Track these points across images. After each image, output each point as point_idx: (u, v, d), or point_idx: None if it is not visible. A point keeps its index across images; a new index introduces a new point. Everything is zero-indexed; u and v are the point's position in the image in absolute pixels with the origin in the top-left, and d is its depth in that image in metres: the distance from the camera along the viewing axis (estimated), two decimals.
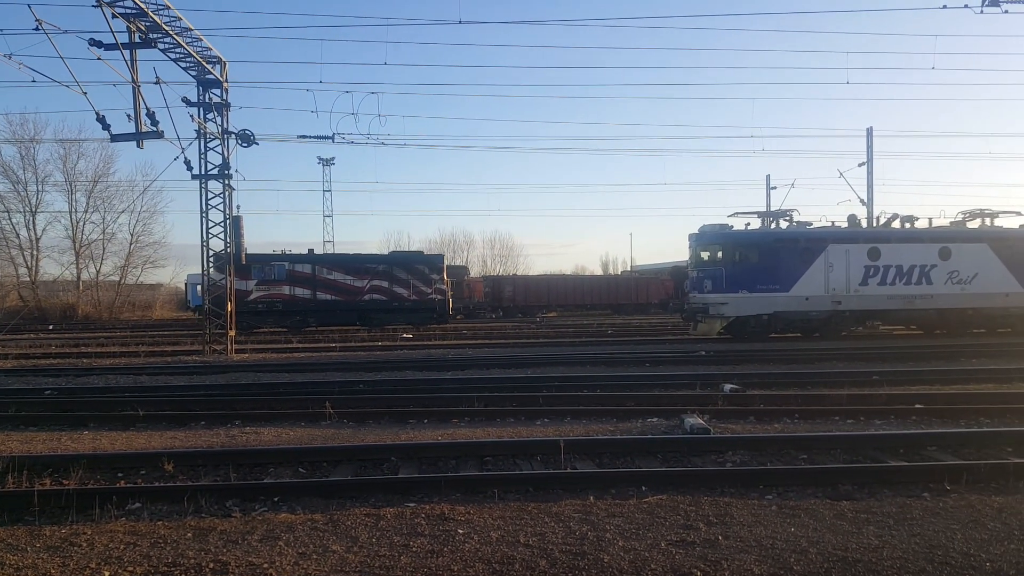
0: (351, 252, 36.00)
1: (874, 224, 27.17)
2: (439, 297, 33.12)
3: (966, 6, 15.04)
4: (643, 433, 9.06)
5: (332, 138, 23.17)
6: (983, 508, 5.77)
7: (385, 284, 32.58)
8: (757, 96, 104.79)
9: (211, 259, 21.04)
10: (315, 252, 34.36)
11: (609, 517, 5.69)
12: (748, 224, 25.55)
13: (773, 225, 25.36)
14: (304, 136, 23.58)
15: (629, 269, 73.38)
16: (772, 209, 30.65)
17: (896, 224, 25.81)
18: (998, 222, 25.99)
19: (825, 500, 6.23)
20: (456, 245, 77.44)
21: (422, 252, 35.38)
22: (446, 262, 36.49)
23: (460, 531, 5.35)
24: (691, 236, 25.49)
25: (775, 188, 39.76)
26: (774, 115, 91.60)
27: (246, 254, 28.49)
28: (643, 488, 6.65)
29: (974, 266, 24.29)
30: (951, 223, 26.08)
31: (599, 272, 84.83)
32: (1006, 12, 14.92)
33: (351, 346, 23.51)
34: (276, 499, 6.43)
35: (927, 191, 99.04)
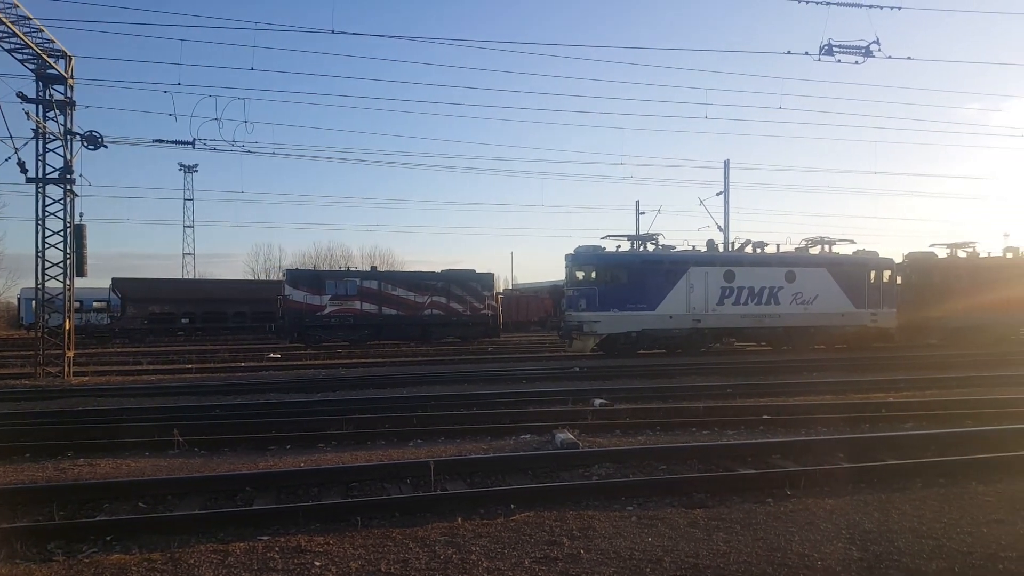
0: (411, 271, 37.34)
1: (730, 249, 29.06)
2: (491, 312, 34.72)
3: (807, 53, 16.57)
4: (516, 450, 9.15)
5: (193, 143, 21.89)
6: (817, 511, 6.26)
7: (443, 300, 33.82)
8: (627, 126, 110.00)
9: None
10: (377, 269, 35.37)
11: (476, 538, 5.69)
12: (619, 246, 26.64)
13: (641, 248, 26.55)
14: (161, 140, 22.07)
15: (510, 287, 74.25)
16: (641, 232, 32.15)
17: (749, 249, 27.75)
18: (835, 249, 28.50)
19: (681, 509, 6.53)
20: (333, 260, 75.34)
21: (474, 270, 36.21)
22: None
23: (317, 563, 5.15)
24: (567, 256, 26.24)
25: (644, 213, 41.74)
26: (643, 144, 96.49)
27: (321, 270, 30.64)
28: (512, 506, 6.70)
29: (815, 288, 26.52)
30: (796, 249, 28.33)
31: None
32: (839, 61, 16.56)
33: (209, 368, 22.22)
34: (108, 538, 5.86)
35: (776, 219, 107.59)
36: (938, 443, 9.03)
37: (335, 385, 16.72)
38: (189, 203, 56.25)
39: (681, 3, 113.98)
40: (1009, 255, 30.22)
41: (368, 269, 35.23)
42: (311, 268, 33.87)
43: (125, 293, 39.70)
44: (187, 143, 21.94)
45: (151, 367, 22.63)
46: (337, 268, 39.49)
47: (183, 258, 59.59)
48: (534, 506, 6.59)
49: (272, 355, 26.01)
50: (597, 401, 12.83)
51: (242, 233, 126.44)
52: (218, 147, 22.29)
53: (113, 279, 40.29)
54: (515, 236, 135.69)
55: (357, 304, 32.21)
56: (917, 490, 7.03)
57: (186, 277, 56.31)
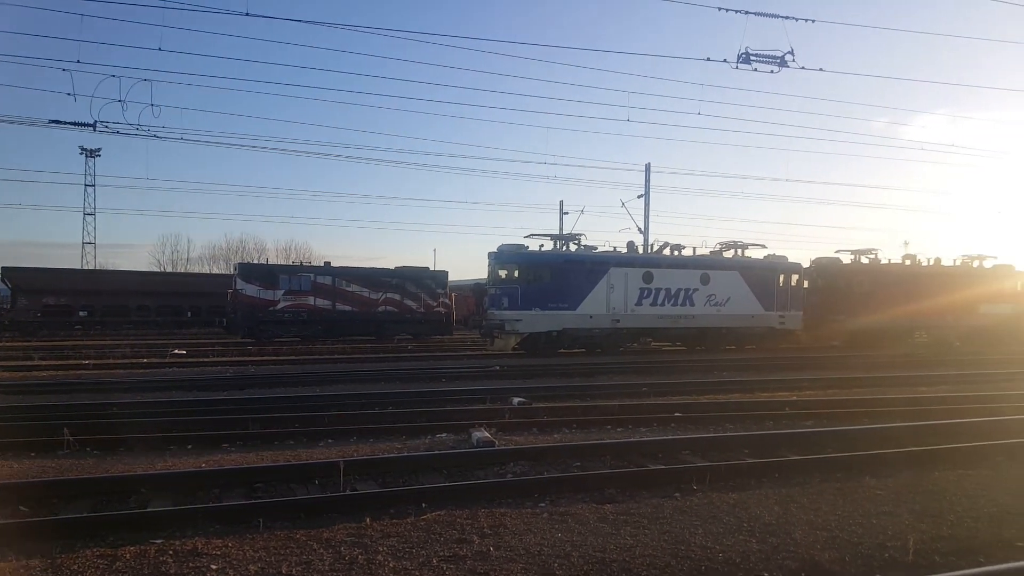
0: (366, 267, 36.43)
1: (649, 251, 29.72)
2: (444, 310, 34.69)
3: (725, 60, 17.06)
4: (431, 449, 9.05)
5: (94, 126, 20.69)
6: (721, 504, 6.43)
7: (397, 297, 33.62)
8: (552, 126, 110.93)
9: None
10: (331, 265, 34.33)
11: (383, 538, 5.57)
12: (542, 245, 26.79)
13: (564, 248, 26.81)
14: (58, 121, 20.76)
15: None
16: (564, 232, 32.48)
17: (667, 252, 28.44)
18: (748, 253, 29.57)
19: (592, 504, 6.58)
20: (246, 252, 72.80)
21: (428, 268, 36.06)
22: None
23: (214, 566, 4.92)
24: (491, 255, 26.21)
25: (568, 213, 42.13)
26: (568, 144, 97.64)
27: (275, 264, 31.74)
28: (423, 505, 6.61)
29: (728, 291, 27.43)
30: (711, 253, 29.23)
31: None
32: (756, 70, 17.11)
33: (107, 364, 21.04)
34: None
35: (693, 223, 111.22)
36: (836, 440, 9.47)
37: (243, 383, 16.13)
38: (91, 189, 53.23)
39: (605, 6, 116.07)
40: (908, 262, 32.09)
41: (322, 264, 34.39)
42: (263, 262, 33.43)
43: (16, 283, 37.13)
44: (87, 125, 20.74)
45: (43, 362, 21.22)
46: (249, 260, 38.51)
47: (83, 247, 56.37)
48: (446, 505, 6.52)
49: (177, 351, 24.89)
50: (516, 400, 12.86)
51: (148, 223, 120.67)
52: (122, 131, 21.10)
53: (3, 268, 37.62)
54: (439, 233, 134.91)
55: (311, 300, 31.85)
56: (815, 484, 7.34)
57: (86, 268, 53.26)
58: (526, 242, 26.43)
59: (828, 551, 5.23)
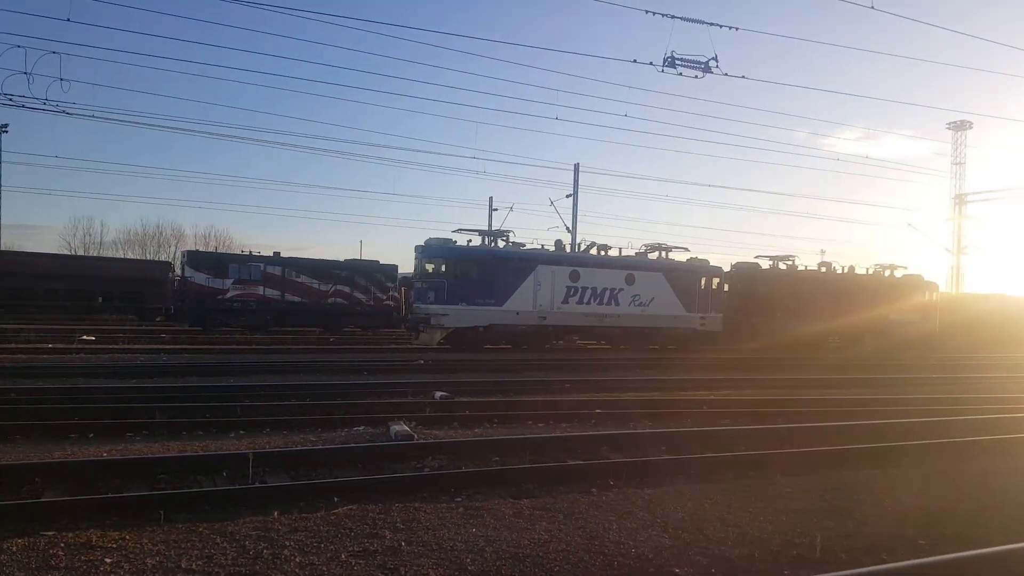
0: (317, 258, 35.86)
1: (576, 250, 29.99)
2: (394, 304, 34.52)
3: (651, 63, 17.34)
4: (347, 442, 8.81)
5: None
6: (636, 500, 6.47)
7: (347, 289, 33.17)
8: (482, 120, 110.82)
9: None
10: (281, 255, 33.98)
11: (291, 532, 5.36)
12: (470, 240, 26.66)
13: (492, 244, 26.75)
14: None
15: None
16: (493, 229, 32.42)
17: (593, 251, 28.78)
18: (672, 255, 30.21)
19: (509, 500, 6.52)
20: (163, 239, 69.73)
21: (379, 262, 35.45)
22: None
23: (108, 560, 4.62)
24: (417, 248, 25.90)
25: (497, 209, 42.09)
26: (498, 140, 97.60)
27: (224, 253, 31.85)
28: (335, 499, 6.41)
29: (652, 292, 27.96)
30: (636, 254, 29.73)
31: None
32: (681, 74, 17.46)
33: (8, 348, 19.72)
34: None
35: (620, 224, 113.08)
36: (750, 438, 9.71)
37: (154, 372, 15.40)
38: None
39: (533, 3, 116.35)
40: (823, 270, 33.45)
41: (271, 254, 33.98)
42: (211, 250, 34.28)
43: None
44: None
45: None
46: (167, 247, 38.05)
47: None
48: (359, 499, 6.32)
49: (85, 337, 23.60)
50: (438, 394, 12.70)
51: (57, 203, 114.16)
52: (27, 104, 19.80)
53: None
54: (366, 224, 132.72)
55: (260, 289, 31.37)
56: (729, 482, 7.48)
57: None
58: (454, 236, 26.26)
59: (738, 548, 5.32)
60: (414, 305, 25.59)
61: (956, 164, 53.18)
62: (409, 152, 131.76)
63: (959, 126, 52.91)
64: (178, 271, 31.55)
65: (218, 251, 33.13)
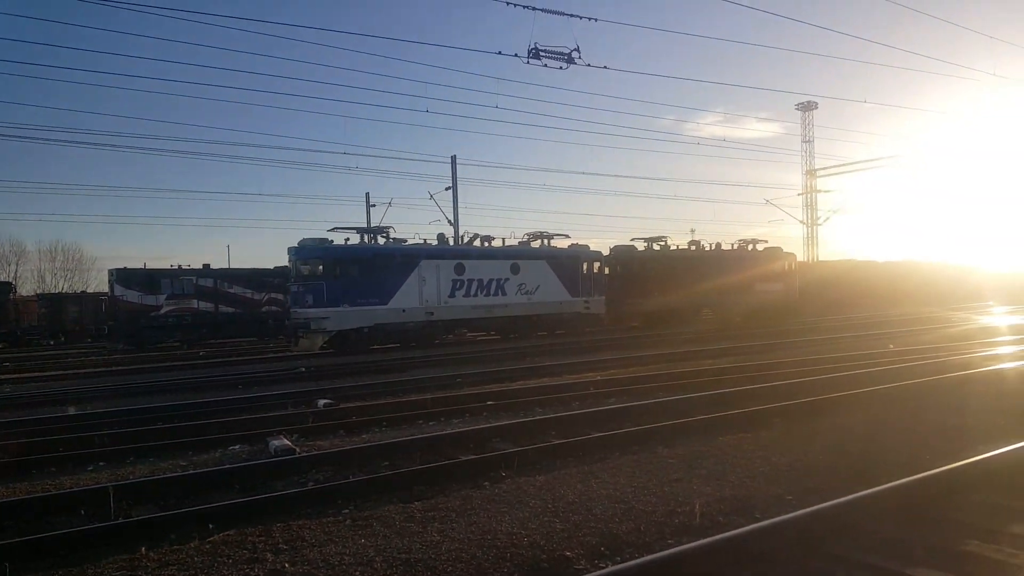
0: (248, 268, 35.16)
1: (460, 243, 29.93)
2: None
3: (516, 55, 17.43)
4: (221, 463, 8.30)
5: None
6: (528, 488, 6.46)
7: (281, 297, 32.36)
8: (351, 114, 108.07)
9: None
10: (211, 267, 33.88)
11: (161, 568, 4.96)
12: (348, 239, 25.96)
13: (372, 241, 26.18)
14: None
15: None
16: (371, 225, 31.75)
17: (477, 243, 28.80)
18: (553, 242, 30.75)
19: (399, 504, 6.33)
20: (3, 256, 63.54)
21: None
22: None
23: None
24: (291, 250, 24.94)
25: (375, 205, 41.16)
26: (370, 134, 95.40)
27: (155, 269, 31.45)
28: (210, 526, 5.98)
29: (537, 279, 28.37)
30: (519, 243, 30.04)
31: None
32: (545, 66, 17.65)
33: None
34: None
35: (501, 214, 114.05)
36: (632, 415, 9.98)
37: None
38: None
39: None
40: (693, 248, 35.09)
41: (201, 267, 33.58)
42: (141, 267, 32.28)
43: None
44: None
45: None
46: (5, 264, 36.75)
47: None
48: (237, 523, 5.93)
49: None
50: (321, 402, 12.25)
51: None
52: None
53: None
54: (232, 228, 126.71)
55: (194, 303, 31.51)
56: (615, 459, 7.62)
57: None
58: (330, 236, 25.48)
59: (625, 523, 5.40)
60: (291, 310, 24.62)
61: (806, 142, 57.25)
62: (275, 151, 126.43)
63: (806, 107, 56.89)
64: (107, 289, 32.02)
65: (147, 267, 32.52)
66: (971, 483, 5.63)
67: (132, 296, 30.25)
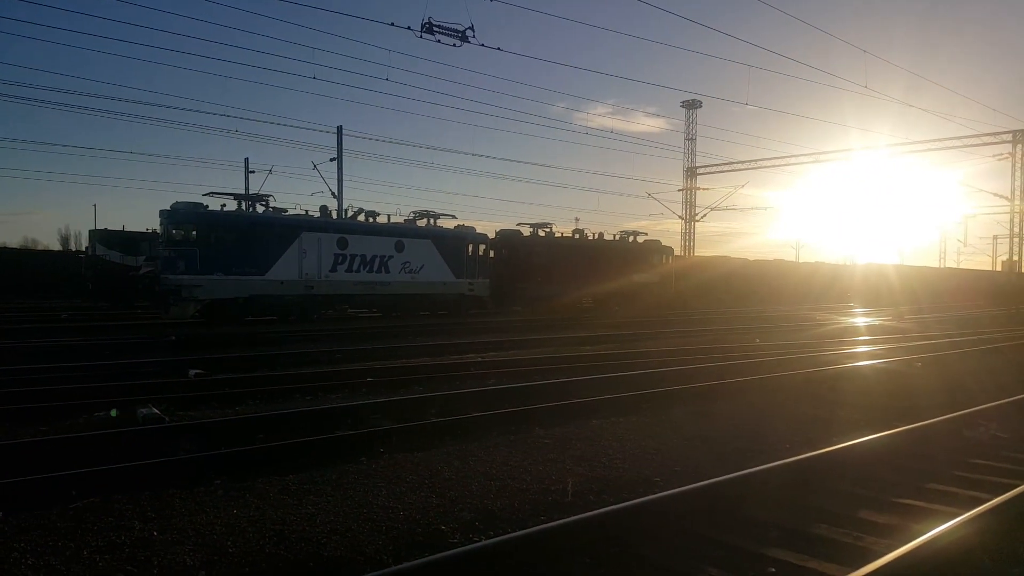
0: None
1: (344, 216, 29.33)
2: None
3: (409, 28, 17.25)
4: (85, 431, 7.89)
5: None
6: (405, 464, 6.62)
7: None
8: (232, 75, 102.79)
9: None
10: None
11: (20, 533, 4.78)
12: (224, 205, 24.82)
13: (251, 209, 25.18)
14: None
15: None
16: (251, 193, 30.49)
17: (361, 218, 28.34)
18: (440, 223, 30.77)
19: (274, 477, 6.30)
20: None
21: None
22: None
23: None
24: (163, 212, 23.53)
25: (254, 172, 39.56)
26: (252, 98, 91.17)
27: (134, 231, 33.87)
28: (73, 493, 5.74)
29: (421, 258, 28.33)
30: (405, 221, 29.83)
31: (58, 248, 72.07)
32: (439, 41, 17.59)
33: None
34: None
35: (387, 191, 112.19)
36: (513, 396, 10.31)
37: None
38: None
39: None
40: (577, 236, 36.13)
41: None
42: (119, 228, 34.55)
43: None
44: None
45: None
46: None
47: None
48: (102, 492, 5.73)
49: None
50: (193, 372, 11.82)
51: None
52: None
53: None
54: (99, 186, 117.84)
55: None
56: (492, 438, 7.89)
57: None
58: (205, 201, 24.29)
59: (500, 499, 5.68)
60: (161, 276, 23.32)
61: (688, 139, 60.03)
62: (148, 107, 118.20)
63: (691, 104, 59.58)
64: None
65: (126, 229, 34.76)
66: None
67: (114, 256, 31.81)
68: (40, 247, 70.01)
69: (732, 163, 56.40)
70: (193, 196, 37.42)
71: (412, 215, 30.26)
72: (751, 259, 51.26)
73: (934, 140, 48.89)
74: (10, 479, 5.79)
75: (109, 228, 34.34)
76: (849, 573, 4.00)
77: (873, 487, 6.14)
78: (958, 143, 47.70)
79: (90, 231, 35.67)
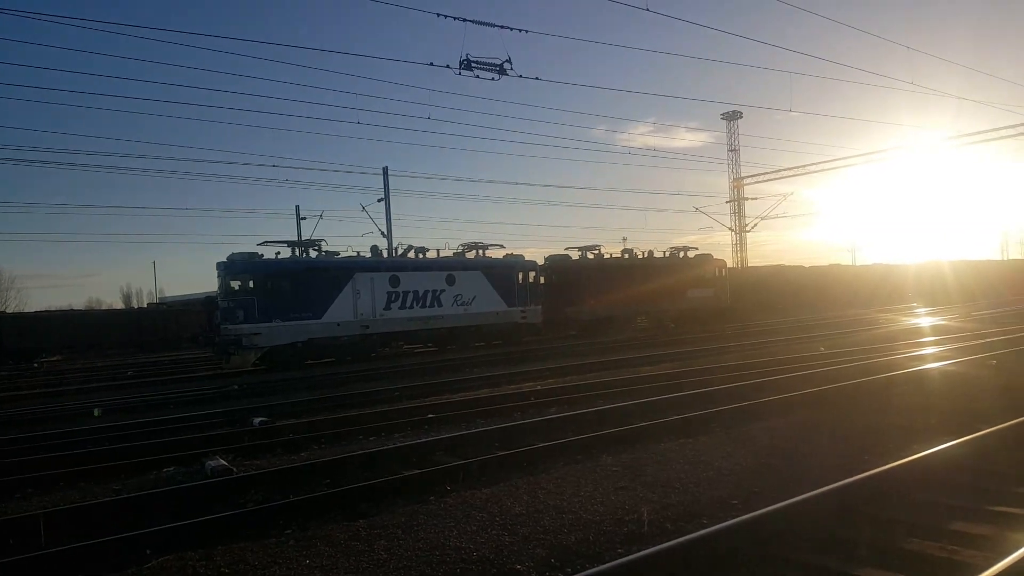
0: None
1: (394, 255, 29.66)
2: None
3: (448, 66, 17.40)
4: (156, 487, 7.97)
5: None
6: (474, 502, 6.46)
7: None
8: (281, 127, 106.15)
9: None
10: None
11: None
12: (278, 253, 25.37)
13: (304, 254, 25.66)
14: None
15: (155, 301, 66.45)
16: (303, 239, 31.11)
17: (411, 255, 28.60)
18: (488, 253, 30.84)
19: (343, 523, 6.22)
20: None
21: None
22: None
23: None
24: (219, 265, 24.17)
25: (305, 218, 40.46)
26: (301, 147, 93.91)
27: None
28: (147, 552, 5.75)
29: (473, 290, 28.37)
30: (454, 254, 29.98)
31: (120, 306, 74.84)
32: (478, 77, 17.70)
33: None
34: None
35: (435, 226, 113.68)
36: (577, 423, 10.08)
37: None
38: None
39: (320, 6, 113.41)
40: (626, 255, 35.75)
41: None
42: None
43: None
44: None
45: None
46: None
47: None
48: (176, 548, 5.73)
49: None
50: (257, 420, 11.92)
51: None
52: None
53: None
54: (156, 244, 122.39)
55: None
56: (559, 468, 7.68)
57: None
58: (260, 250, 24.86)
59: (573, 533, 5.47)
60: (221, 326, 23.85)
61: (731, 151, 59.14)
62: (202, 164, 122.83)
63: (731, 116, 58.80)
64: None
65: None
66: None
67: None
68: (104, 306, 72.76)
69: (779, 170, 55.18)
70: (248, 246, 38.06)
71: (461, 248, 30.41)
72: (807, 266, 49.94)
73: (992, 130, 46.98)
74: (85, 541, 5.84)
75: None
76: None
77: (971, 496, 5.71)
78: (1012, 131, 45.72)
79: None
